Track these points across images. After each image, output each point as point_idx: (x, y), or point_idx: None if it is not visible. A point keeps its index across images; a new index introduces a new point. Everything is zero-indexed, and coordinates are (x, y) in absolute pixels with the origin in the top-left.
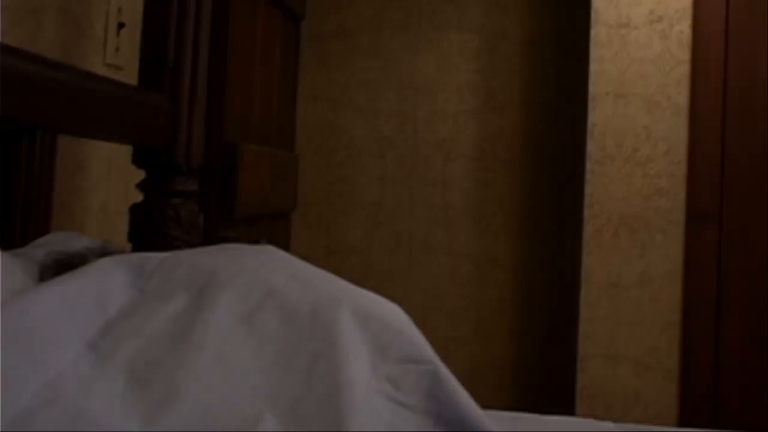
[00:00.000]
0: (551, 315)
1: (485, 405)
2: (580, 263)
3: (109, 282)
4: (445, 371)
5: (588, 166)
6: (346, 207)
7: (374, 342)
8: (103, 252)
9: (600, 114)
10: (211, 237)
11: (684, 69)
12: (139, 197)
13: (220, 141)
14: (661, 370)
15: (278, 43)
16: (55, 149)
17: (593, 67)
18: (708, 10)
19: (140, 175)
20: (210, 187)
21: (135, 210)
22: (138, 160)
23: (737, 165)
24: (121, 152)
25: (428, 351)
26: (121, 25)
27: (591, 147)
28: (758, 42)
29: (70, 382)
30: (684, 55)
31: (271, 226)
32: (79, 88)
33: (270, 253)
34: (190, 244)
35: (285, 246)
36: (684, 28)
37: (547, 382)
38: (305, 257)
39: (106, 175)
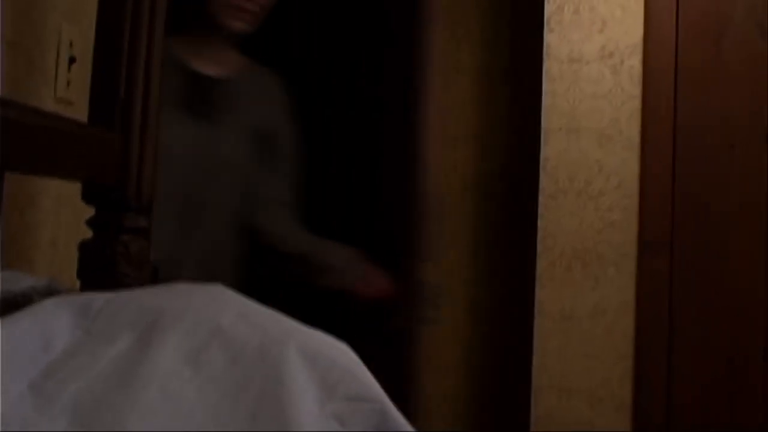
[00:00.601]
0: (505, 348)
1: None
2: (534, 296)
3: (53, 323)
4: (393, 409)
5: (541, 200)
6: None
7: (322, 380)
8: (49, 291)
9: (552, 148)
10: None
11: (635, 104)
12: (89, 233)
13: None
14: (615, 402)
15: None
16: (2, 185)
17: (546, 101)
18: (658, 45)
19: (91, 210)
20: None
21: (84, 246)
22: (88, 196)
23: (688, 197)
24: (72, 188)
25: (376, 389)
26: (72, 60)
27: (544, 181)
28: (707, 77)
29: (12, 424)
30: (635, 90)
31: None
32: (28, 126)
33: (218, 292)
34: (140, 282)
35: None
36: (635, 63)
37: (502, 414)
38: None
39: (56, 211)
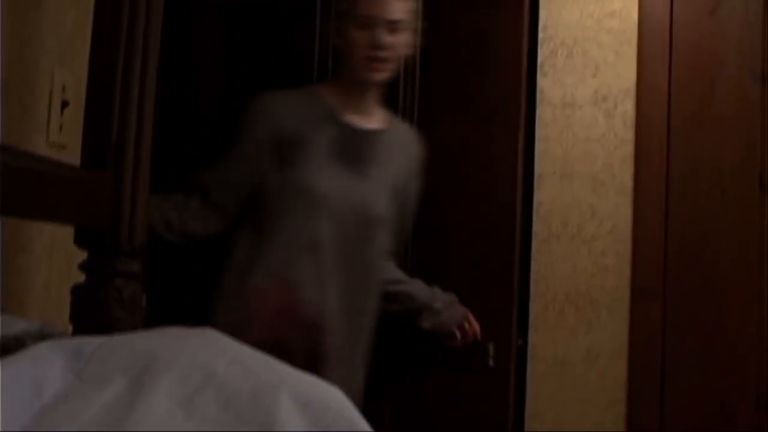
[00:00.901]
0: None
1: None
2: (527, 339)
3: (45, 367)
4: None
5: (534, 244)
6: None
7: (314, 425)
8: (41, 335)
9: (546, 193)
10: None
11: (628, 148)
12: (82, 277)
13: None
14: None
15: None
16: None
17: (539, 146)
18: (651, 90)
19: (83, 254)
20: None
21: (77, 291)
22: (80, 241)
23: (680, 242)
24: (64, 231)
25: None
26: (65, 104)
27: (537, 225)
28: (699, 122)
29: None
30: (628, 134)
31: None
32: (21, 171)
33: (210, 336)
34: (133, 326)
35: None
36: (628, 108)
37: None
38: None
39: (48, 255)
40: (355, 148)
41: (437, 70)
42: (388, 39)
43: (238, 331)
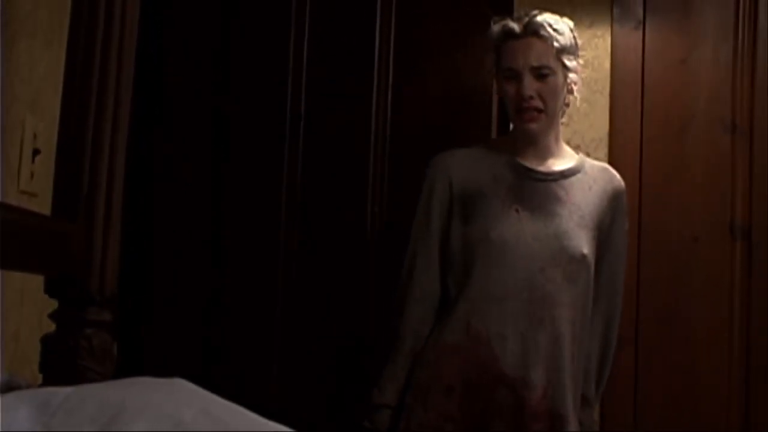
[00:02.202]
0: None
1: None
2: None
3: (12, 418)
4: None
5: None
6: None
7: None
8: (9, 386)
9: None
10: None
11: None
12: (52, 326)
13: None
14: None
15: None
16: None
17: None
18: (623, 139)
19: (54, 303)
20: None
21: (47, 340)
22: (51, 290)
23: (652, 290)
24: (35, 280)
25: None
26: (36, 152)
27: None
28: (671, 171)
29: None
30: None
31: None
32: None
33: (179, 386)
34: (104, 376)
35: None
36: (600, 156)
37: None
38: None
39: (18, 304)
40: (538, 192)
41: (410, 110)
42: (533, 87)
43: (443, 389)
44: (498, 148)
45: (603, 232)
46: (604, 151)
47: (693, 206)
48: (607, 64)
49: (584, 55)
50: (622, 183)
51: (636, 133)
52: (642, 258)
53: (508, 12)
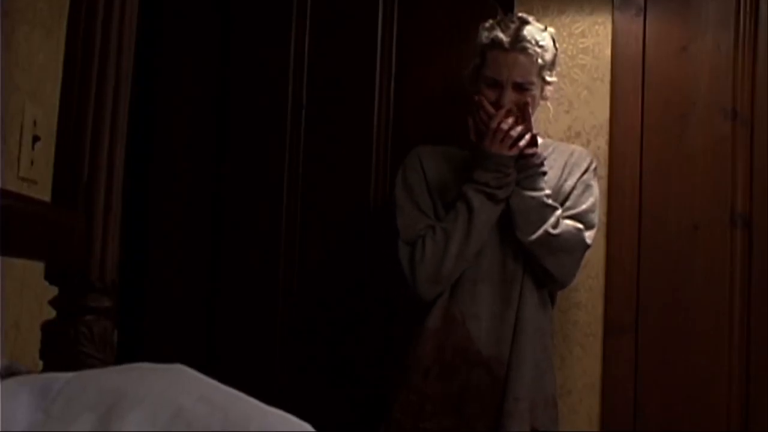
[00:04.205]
0: None
1: None
2: None
3: (12, 404)
4: None
5: None
6: None
7: None
8: (9, 372)
9: None
10: None
11: (601, 184)
12: (52, 314)
13: None
14: None
15: None
16: None
17: None
18: (624, 126)
19: (54, 291)
20: None
21: (47, 327)
22: (51, 277)
23: (653, 278)
24: (35, 268)
25: None
26: (36, 139)
27: None
28: (672, 158)
29: None
30: (601, 170)
31: None
32: None
33: (179, 372)
34: (104, 362)
35: None
36: (601, 143)
37: None
38: None
39: (18, 292)
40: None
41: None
42: (512, 99)
43: (422, 371)
44: (465, 146)
45: (566, 197)
46: (604, 138)
47: (693, 194)
48: (607, 51)
49: (585, 42)
50: (584, 151)
51: (636, 121)
52: (642, 246)
53: (509, 4)
